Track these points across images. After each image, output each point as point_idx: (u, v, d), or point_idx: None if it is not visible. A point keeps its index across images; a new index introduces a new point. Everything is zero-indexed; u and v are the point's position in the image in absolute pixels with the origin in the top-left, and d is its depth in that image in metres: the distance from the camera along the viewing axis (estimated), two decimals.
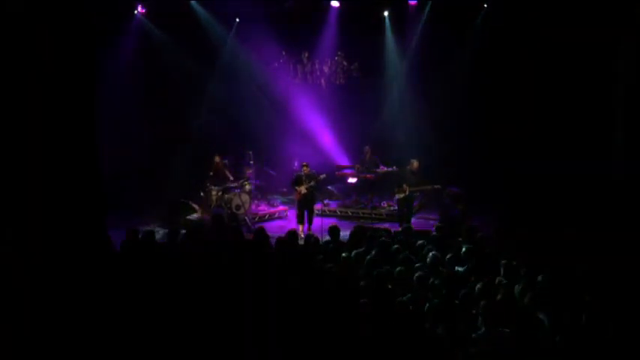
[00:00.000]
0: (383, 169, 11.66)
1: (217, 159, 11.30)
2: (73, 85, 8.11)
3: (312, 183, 10.16)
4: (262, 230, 6.58)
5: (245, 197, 10.81)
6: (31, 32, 7.45)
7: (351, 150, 12.47)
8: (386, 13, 12.29)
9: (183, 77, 12.69)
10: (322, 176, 10.38)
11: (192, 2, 12.23)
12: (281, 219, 11.34)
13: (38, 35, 7.52)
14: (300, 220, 10.26)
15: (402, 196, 10.29)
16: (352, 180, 11.75)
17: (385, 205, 11.34)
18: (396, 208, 10.66)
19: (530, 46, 8.59)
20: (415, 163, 10.36)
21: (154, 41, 12.14)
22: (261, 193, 12.04)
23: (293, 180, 10.44)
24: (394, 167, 10.66)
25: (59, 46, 7.74)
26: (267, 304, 4.62)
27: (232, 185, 11.06)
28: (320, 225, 10.06)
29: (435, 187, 10.16)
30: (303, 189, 10.12)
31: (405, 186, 10.24)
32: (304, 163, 10.44)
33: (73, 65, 7.95)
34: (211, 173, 11.25)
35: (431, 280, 4.95)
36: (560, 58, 8.38)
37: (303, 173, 10.32)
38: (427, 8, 11.75)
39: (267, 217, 11.30)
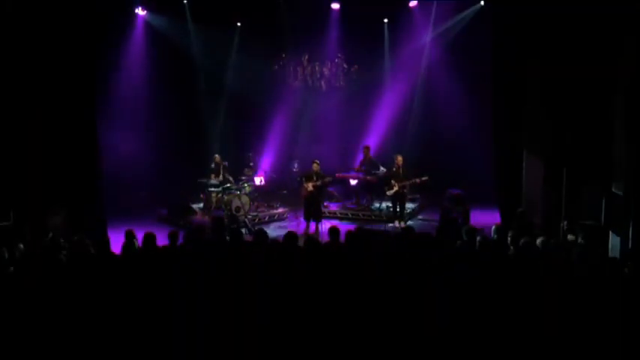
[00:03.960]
0: (383, 170, 11.70)
1: (218, 159, 11.31)
2: (74, 87, 8.15)
3: (319, 182, 10.24)
4: (262, 232, 6.56)
5: (245, 199, 10.81)
6: (31, 33, 7.49)
7: (351, 152, 12.48)
8: (385, 20, 12.35)
9: (183, 78, 12.72)
10: (328, 179, 10.41)
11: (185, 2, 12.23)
12: (281, 221, 11.34)
13: (39, 35, 7.55)
14: (307, 217, 10.35)
15: (392, 192, 10.39)
16: (353, 182, 11.79)
17: (384, 210, 11.36)
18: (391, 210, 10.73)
19: (536, 47, 8.56)
20: (399, 158, 10.44)
21: (155, 44, 12.15)
22: (261, 194, 12.04)
23: (303, 175, 10.57)
24: (394, 169, 10.70)
25: (60, 46, 7.79)
26: (267, 305, 4.63)
27: (232, 187, 11.08)
28: (320, 227, 10.13)
29: (423, 179, 10.27)
30: (310, 186, 10.20)
31: (393, 182, 10.34)
32: (315, 160, 10.48)
33: (73, 66, 7.99)
34: (212, 174, 11.26)
35: None
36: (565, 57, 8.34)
37: (313, 170, 10.38)
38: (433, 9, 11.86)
39: (267, 218, 11.30)
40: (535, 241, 5.79)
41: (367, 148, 11.89)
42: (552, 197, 8.56)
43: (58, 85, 7.98)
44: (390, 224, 10.47)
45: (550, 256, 5.54)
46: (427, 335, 4.35)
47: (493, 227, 6.63)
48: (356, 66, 13.04)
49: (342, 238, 6.50)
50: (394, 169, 10.58)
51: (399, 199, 10.49)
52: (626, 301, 4.49)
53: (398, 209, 10.59)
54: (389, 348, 4.28)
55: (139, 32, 11.91)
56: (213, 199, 10.98)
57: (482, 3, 11.20)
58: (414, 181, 10.36)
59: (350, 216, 11.29)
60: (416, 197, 11.71)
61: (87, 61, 8.27)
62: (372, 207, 11.55)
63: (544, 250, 5.69)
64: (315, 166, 10.37)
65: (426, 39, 12.21)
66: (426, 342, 4.31)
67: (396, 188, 10.36)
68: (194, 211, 11.18)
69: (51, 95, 7.89)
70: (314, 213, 10.29)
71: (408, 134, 12.29)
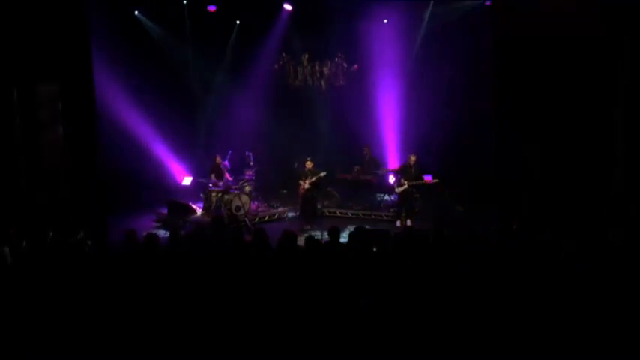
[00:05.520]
0: (383, 170, 11.73)
1: (218, 160, 11.31)
2: (72, 87, 8.16)
3: (314, 179, 10.38)
4: (262, 231, 6.56)
5: (245, 199, 10.80)
6: (31, 32, 7.49)
7: (351, 151, 12.49)
8: (385, 20, 12.36)
9: (184, 77, 12.73)
10: (323, 174, 10.49)
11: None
12: (281, 220, 11.34)
13: (39, 34, 7.56)
14: (304, 216, 10.53)
15: (401, 190, 10.37)
16: (354, 182, 11.83)
17: (384, 209, 11.37)
18: (396, 209, 10.72)
19: (533, 45, 8.57)
20: (413, 158, 10.44)
21: (154, 42, 12.17)
22: (261, 194, 12.04)
23: (298, 175, 10.77)
24: (401, 166, 10.75)
25: (58, 46, 7.79)
26: (267, 305, 4.64)
27: (232, 186, 11.09)
28: (316, 226, 10.17)
29: (433, 181, 10.25)
30: (306, 184, 10.40)
31: (403, 180, 10.35)
32: (308, 159, 10.65)
33: (71, 66, 7.99)
34: (212, 175, 11.26)
35: None
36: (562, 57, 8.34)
37: (307, 169, 10.55)
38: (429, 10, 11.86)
39: (266, 218, 11.30)
40: (536, 239, 5.81)
41: (367, 148, 11.93)
42: (550, 197, 8.57)
43: (59, 83, 7.98)
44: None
45: (547, 253, 5.57)
46: (427, 334, 4.36)
47: (492, 227, 6.65)
48: (356, 65, 13.04)
49: (342, 238, 6.53)
50: (406, 166, 10.55)
51: (406, 197, 10.47)
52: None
53: (403, 208, 10.55)
54: (389, 347, 4.29)
55: (138, 31, 11.93)
56: (213, 199, 10.98)
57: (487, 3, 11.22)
58: (424, 182, 10.38)
59: (350, 216, 11.29)
60: (416, 197, 11.72)
61: (85, 61, 8.26)
62: (374, 203, 11.59)
63: (544, 248, 5.71)
64: (308, 165, 10.56)
65: (426, 37, 12.21)
66: (426, 341, 4.31)
67: (405, 187, 10.36)
68: (194, 211, 11.18)
69: (50, 95, 7.88)
70: (309, 211, 10.44)
71: (408, 133, 12.28)
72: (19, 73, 7.42)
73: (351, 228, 7.66)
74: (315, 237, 6.91)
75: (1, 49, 7.24)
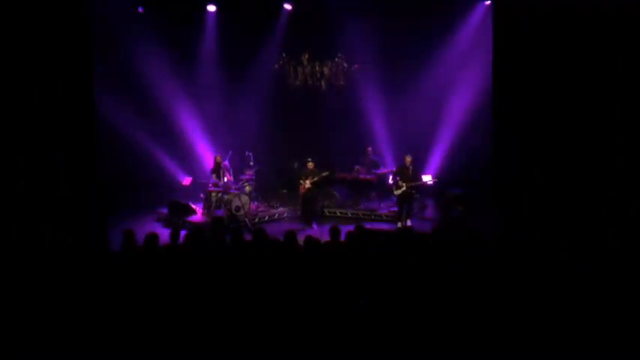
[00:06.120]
0: (383, 170, 11.73)
1: (218, 159, 11.33)
2: (72, 87, 8.14)
3: (316, 178, 10.45)
4: (262, 231, 6.56)
5: (245, 199, 10.81)
6: (31, 34, 7.48)
7: (351, 151, 12.49)
8: (384, 19, 12.38)
9: (182, 75, 12.74)
10: (326, 173, 10.56)
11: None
12: (281, 221, 11.34)
13: (37, 36, 7.55)
14: (304, 216, 10.59)
15: (399, 192, 10.37)
16: (353, 181, 11.84)
17: (385, 209, 11.37)
18: (396, 209, 10.71)
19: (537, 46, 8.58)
20: (408, 159, 10.41)
21: (155, 41, 12.18)
22: (261, 194, 12.05)
23: (299, 175, 10.86)
24: (397, 167, 10.74)
25: (57, 48, 7.78)
26: (267, 304, 4.64)
27: (232, 186, 11.10)
28: (316, 226, 10.19)
29: (432, 180, 10.27)
30: (307, 183, 10.48)
31: (401, 182, 10.34)
32: (309, 160, 10.71)
33: (71, 67, 7.98)
34: (213, 174, 11.27)
35: None
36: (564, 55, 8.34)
37: (308, 169, 10.64)
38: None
39: (266, 218, 11.30)
40: (534, 239, 5.81)
41: (370, 148, 11.97)
42: (550, 197, 8.56)
43: (56, 85, 7.96)
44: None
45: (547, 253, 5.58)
46: (428, 334, 4.35)
47: (493, 227, 6.64)
48: (356, 65, 13.04)
49: (342, 238, 6.52)
50: (398, 167, 10.54)
51: (405, 198, 10.46)
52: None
53: (403, 209, 10.54)
54: (389, 347, 4.29)
55: (137, 30, 11.93)
56: (213, 199, 10.98)
57: (487, 2, 11.24)
58: (421, 182, 10.36)
59: (350, 216, 11.29)
60: (416, 197, 11.73)
61: (85, 59, 8.24)
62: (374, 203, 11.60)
63: (544, 247, 5.71)
64: (310, 165, 10.62)
65: (426, 36, 12.22)
66: (426, 341, 4.31)
67: (403, 188, 10.33)
68: (194, 211, 11.18)
69: (49, 96, 7.86)
70: (309, 211, 10.49)
71: (408, 133, 12.29)
72: (18, 72, 7.39)
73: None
74: (315, 237, 6.90)
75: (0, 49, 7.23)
